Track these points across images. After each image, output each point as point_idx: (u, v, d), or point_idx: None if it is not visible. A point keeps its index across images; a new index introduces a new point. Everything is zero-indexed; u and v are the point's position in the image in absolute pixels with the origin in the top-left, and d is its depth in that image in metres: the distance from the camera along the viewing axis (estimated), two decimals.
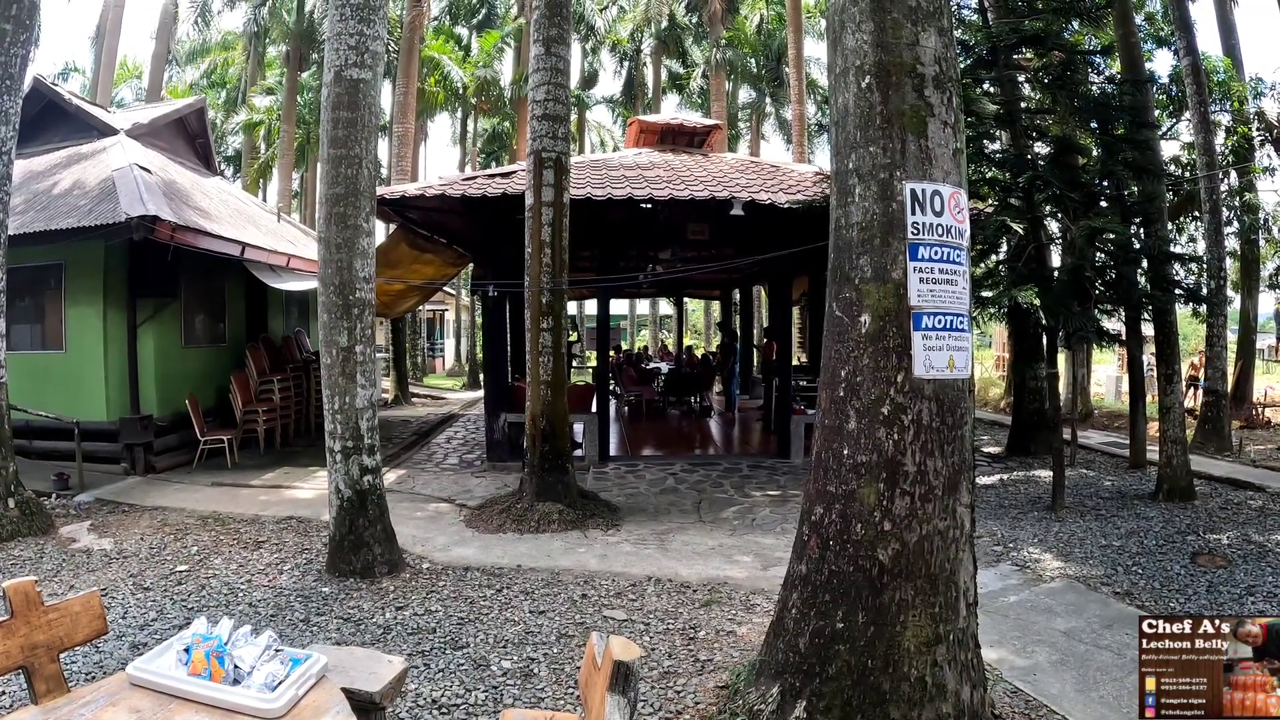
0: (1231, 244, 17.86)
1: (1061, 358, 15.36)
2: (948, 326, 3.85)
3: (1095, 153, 10.62)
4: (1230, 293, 18.15)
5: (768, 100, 36.84)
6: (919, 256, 3.82)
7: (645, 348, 37.97)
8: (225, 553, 7.56)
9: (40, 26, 8.79)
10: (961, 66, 9.39)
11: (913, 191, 3.82)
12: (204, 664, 2.73)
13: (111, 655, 5.05)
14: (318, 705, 2.70)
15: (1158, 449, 10.26)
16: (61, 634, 2.98)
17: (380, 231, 8.52)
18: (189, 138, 16.77)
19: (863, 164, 3.92)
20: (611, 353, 18.66)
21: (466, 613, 5.97)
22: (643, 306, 50.08)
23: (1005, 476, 11.51)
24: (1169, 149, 18.13)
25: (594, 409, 13.11)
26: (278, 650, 2.87)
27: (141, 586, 6.54)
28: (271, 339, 15.09)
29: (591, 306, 33.42)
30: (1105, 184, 10.21)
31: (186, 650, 2.80)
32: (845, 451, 3.93)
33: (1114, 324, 11.51)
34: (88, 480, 10.21)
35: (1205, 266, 13.05)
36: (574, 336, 32.31)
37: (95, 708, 2.62)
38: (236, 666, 2.74)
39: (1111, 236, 9.58)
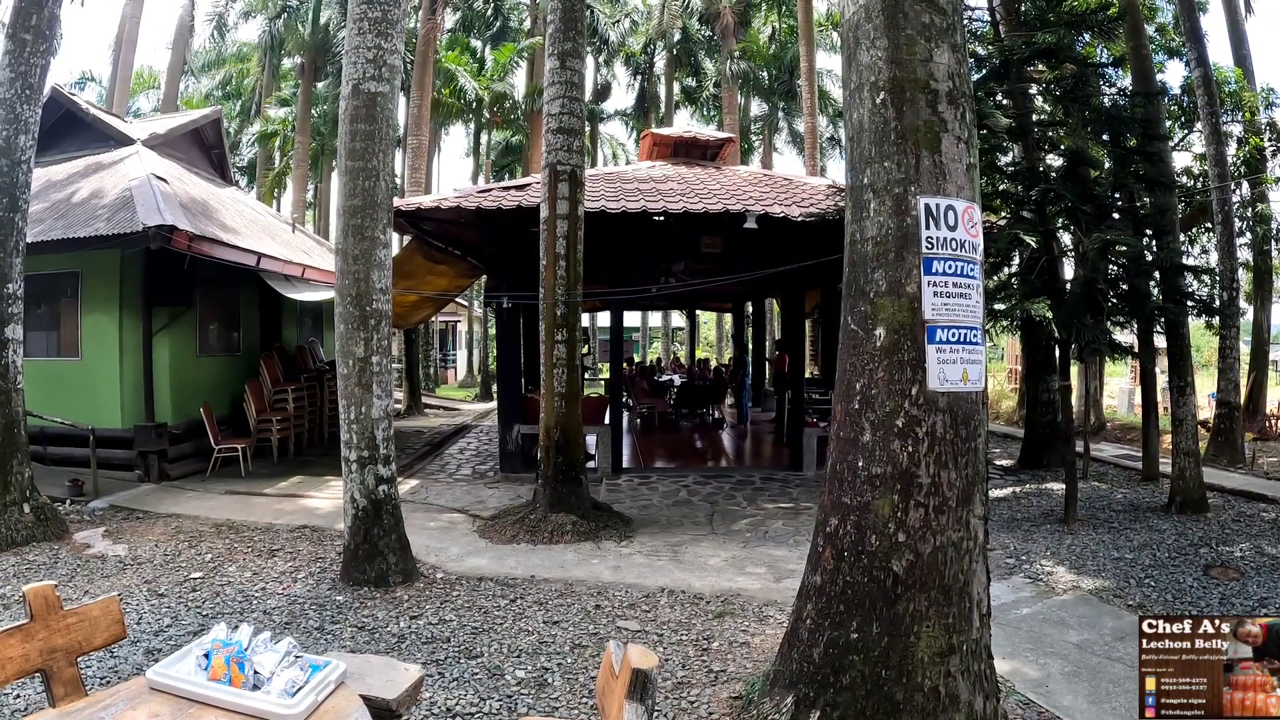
0: (1244, 255, 17.80)
1: (1074, 370, 15.35)
2: (961, 339, 3.87)
3: (1107, 165, 10.61)
4: (1243, 304, 18.09)
5: (780, 113, 36.86)
6: (933, 270, 3.85)
7: (658, 360, 38.02)
8: (239, 560, 7.60)
9: (61, 37, 8.87)
10: (974, 80, 9.41)
11: (927, 206, 3.85)
12: (224, 669, 2.75)
13: (126, 660, 5.09)
14: (337, 711, 2.72)
15: (1170, 461, 10.22)
16: (80, 638, 3.00)
17: (394, 243, 8.55)
18: (204, 148, 16.93)
19: (877, 179, 3.95)
20: (624, 365, 18.68)
21: (480, 622, 5.99)
22: (655, 319, 50.10)
23: (1018, 489, 11.48)
24: (1181, 160, 18.08)
25: (607, 421, 13.14)
26: (297, 656, 2.89)
27: (156, 593, 6.59)
28: (285, 348, 15.18)
29: (604, 319, 33.53)
30: (1117, 196, 10.19)
31: (206, 656, 2.82)
32: (860, 463, 3.95)
33: (1126, 336, 11.48)
34: (102, 487, 10.28)
35: (1218, 278, 13.01)
36: (586, 349, 32.32)
37: (114, 711, 2.63)
38: (256, 672, 2.76)
39: (1124, 249, 9.58)
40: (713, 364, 30.03)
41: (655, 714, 4.45)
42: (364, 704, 2.82)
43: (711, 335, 51.41)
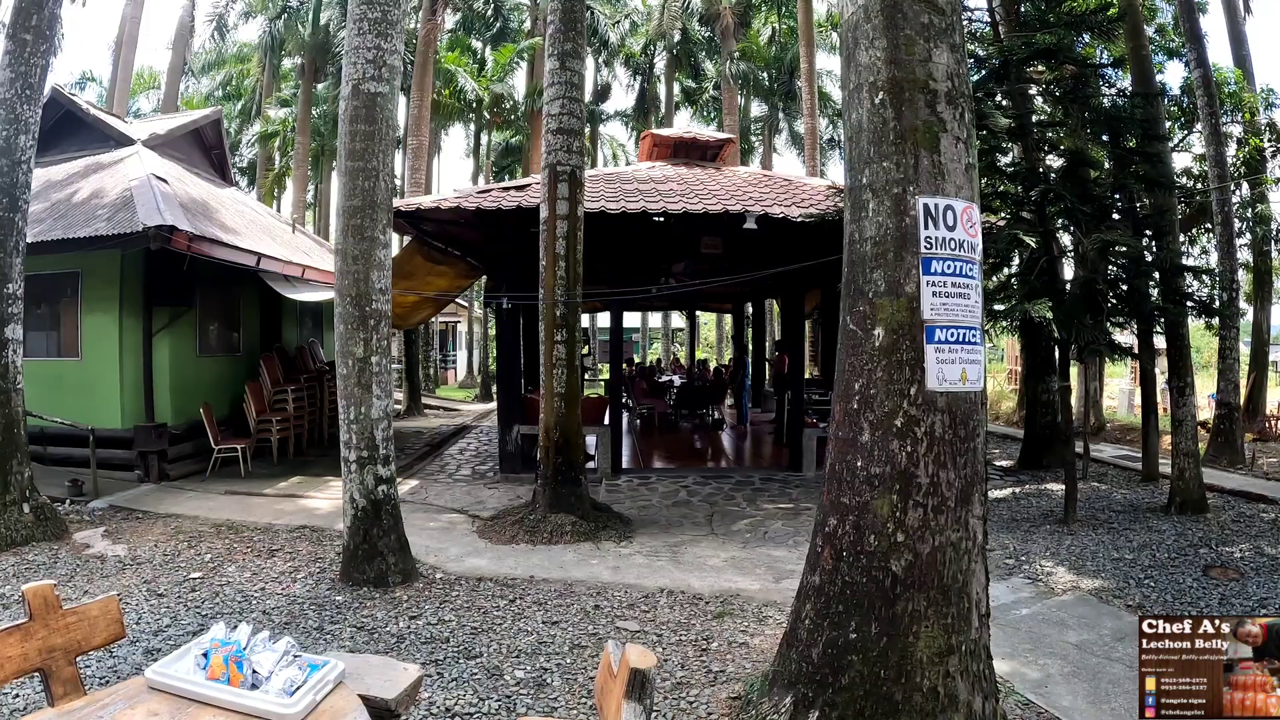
0: (1244, 256, 17.77)
1: (1074, 371, 15.33)
2: (960, 339, 3.87)
3: (1107, 166, 10.61)
4: (1243, 304, 18.07)
5: (780, 114, 36.87)
6: (932, 270, 3.85)
7: (658, 360, 38.03)
8: (239, 560, 7.60)
9: (62, 36, 8.87)
10: (973, 80, 9.42)
11: (925, 206, 3.85)
12: (222, 669, 2.75)
13: (125, 660, 5.09)
14: (336, 710, 2.72)
15: (1170, 462, 10.22)
16: (79, 638, 3.01)
17: (394, 243, 8.56)
18: (205, 148, 16.93)
19: (876, 179, 3.95)
20: (624, 365, 18.68)
21: (480, 622, 5.99)
22: (655, 319, 50.05)
23: (1018, 490, 11.48)
24: (1180, 161, 18.09)
25: (607, 421, 13.13)
26: (296, 656, 2.89)
27: (155, 593, 6.58)
28: (285, 349, 15.18)
29: (604, 319, 33.55)
30: (1117, 197, 10.20)
31: (205, 655, 2.82)
32: (859, 463, 3.95)
33: (1126, 337, 11.48)
34: (102, 487, 10.28)
35: (1217, 279, 13.00)
36: (586, 350, 32.32)
37: (113, 710, 2.63)
38: (254, 671, 2.76)
39: (1123, 249, 9.58)
40: (712, 365, 30.06)
41: (654, 714, 4.45)
42: (362, 703, 2.82)
43: (712, 336, 51.45)
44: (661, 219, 11.18)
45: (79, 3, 16.92)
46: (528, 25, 31.43)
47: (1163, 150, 11.01)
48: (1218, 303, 11.80)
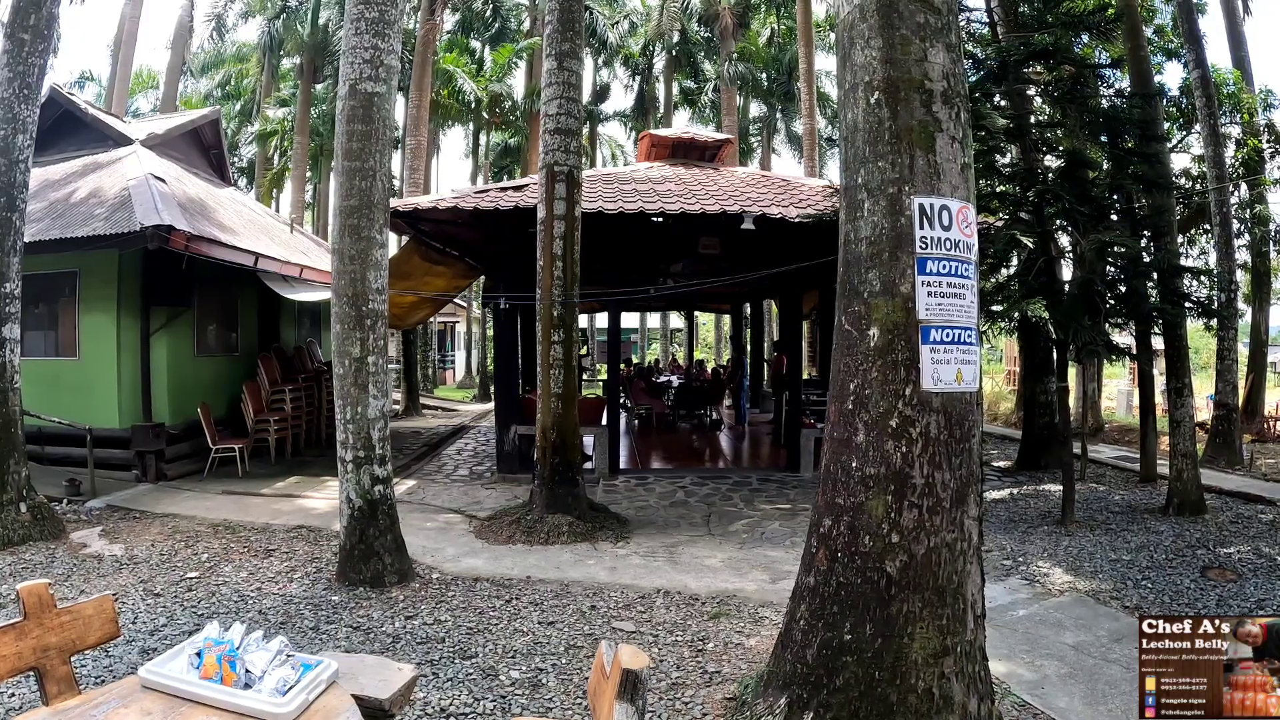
0: (1242, 256, 17.76)
1: (1072, 372, 15.33)
2: (956, 340, 3.86)
3: (1105, 166, 10.61)
4: (1241, 305, 18.05)
5: (778, 114, 36.92)
6: (927, 271, 3.84)
7: (656, 361, 38.04)
8: (236, 560, 7.60)
9: (59, 36, 8.87)
10: (971, 81, 9.42)
11: (921, 206, 3.84)
12: (216, 668, 2.75)
13: (121, 659, 5.08)
14: (329, 710, 2.72)
15: (1168, 463, 10.22)
16: (74, 637, 3.00)
17: (393, 243, 8.57)
18: (203, 148, 16.92)
19: (871, 179, 3.94)
20: (622, 366, 18.67)
21: (475, 623, 5.98)
22: (653, 320, 50.02)
23: (1015, 490, 11.48)
24: (1179, 162, 18.09)
25: (604, 422, 13.13)
26: (289, 656, 2.88)
27: (152, 592, 6.58)
28: (283, 349, 15.17)
29: (602, 320, 33.52)
30: (1115, 197, 10.20)
31: (198, 654, 2.81)
32: (854, 464, 3.94)
33: (1124, 338, 11.48)
34: (99, 486, 10.27)
35: (1216, 279, 13.00)
36: (584, 350, 32.32)
37: (107, 709, 2.63)
38: (248, 671, 2.75)
39: (1121, 250, 9.58)
40: (709, 365, 30.05)
41: (649, 714, 4.45)
42: (356, 703, 2.82)
43: (710, 336, 51.40)
44: (660, 219, 11.18)
45: (77, 2, 16.86)
46: (526, 25, 31.46)
47: (1161, 151, 11.01)
48: (1216, 303, 11.80)
